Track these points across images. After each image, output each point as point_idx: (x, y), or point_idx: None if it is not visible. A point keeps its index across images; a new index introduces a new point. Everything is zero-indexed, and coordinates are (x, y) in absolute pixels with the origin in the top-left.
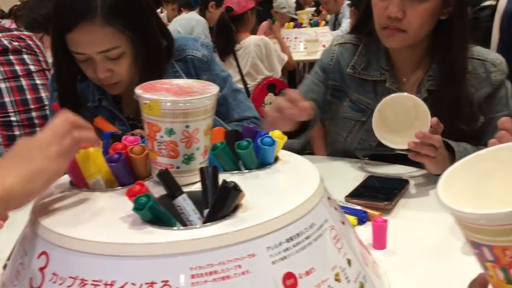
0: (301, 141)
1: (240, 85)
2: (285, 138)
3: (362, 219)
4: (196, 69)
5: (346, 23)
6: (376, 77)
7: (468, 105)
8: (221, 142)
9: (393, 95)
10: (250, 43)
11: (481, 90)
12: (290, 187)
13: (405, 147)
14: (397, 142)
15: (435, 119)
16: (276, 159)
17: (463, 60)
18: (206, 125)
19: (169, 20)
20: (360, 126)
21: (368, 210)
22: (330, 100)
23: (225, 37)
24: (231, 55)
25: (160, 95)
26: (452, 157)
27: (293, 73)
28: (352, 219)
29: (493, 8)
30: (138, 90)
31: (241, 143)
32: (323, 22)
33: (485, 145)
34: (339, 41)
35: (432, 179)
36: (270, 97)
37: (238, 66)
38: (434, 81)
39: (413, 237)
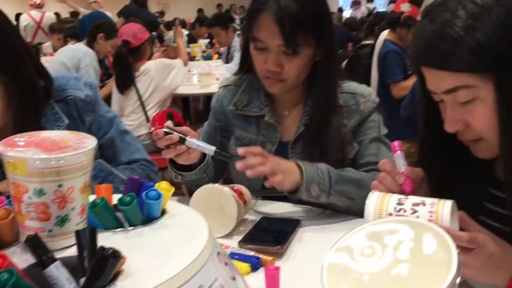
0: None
1: (140, 111)
2: (172, 189)
3: (255, 265)
4: (79, 110)
5: (238, 56)
6: (257, 112)
7: (341, 136)
8: (101, 198)
9: (202, 187)
10: (150, 67)
11: (352, 120)
12: (177, 245)
13: (222, 234)
14: (216, 231)
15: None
16: (164, 212)
17: (334, 95)
18: (83, 182)
19: (55, 50)
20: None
21: (261, 256)
22: (221, 140)
23: (124, 70)
24: (132, 86)
25: (27, 152)
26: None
27: (188, 106)
28: (245, 266)
29: (372, 46)
30: (1, 147)
31: (123, 199)
32: (216, 56)
33: (359, 166)
34: (224, 83)
35: (323, 216)
36: (169, 123)
37: (138, 93)
38: (310, 115)
39: (306, 281)
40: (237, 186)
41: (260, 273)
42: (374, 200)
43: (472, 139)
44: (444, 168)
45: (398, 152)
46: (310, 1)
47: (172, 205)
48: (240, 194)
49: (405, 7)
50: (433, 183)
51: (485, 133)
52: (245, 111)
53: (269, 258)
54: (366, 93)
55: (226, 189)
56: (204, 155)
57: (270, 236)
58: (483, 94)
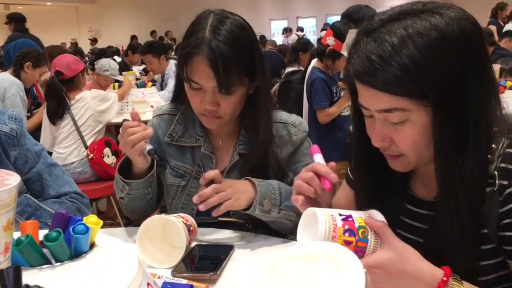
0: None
1: (73, 139)
2: (101, 223)
3: None
4: (3, 144)
5: (172, 83)
6: (192, 143)
7: (275, 165)
8: (26, 235)
9: (150, 218)
10: (87, 96)
11: (285, 150)
12: (104, 279)
13: (170, 264)
14: (165, 262)
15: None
16: (93, 245)
17: (270, 125)
18: (6, 220)
19: None
20: (181, 191)
21: (194, 283)
22: (156, 169)
23: (56, 101)
24: (66, 114)
25: None
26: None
27: None
28: None
29: (303, 72)
30: None
31: (49, 235)
32: (150, 84)
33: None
34: (158, 112)
35: (257, 240)
36: (107, 151)
37: (73, 120)
38: (244, 145)
39: None
40: (183, 215)
41: None
42: (323, 217)
43: (394, 154)
44: (368, 183)
45: (318, 154)
46: (241, 41)
47: (102, 238)
48: (187, 222)
49: (330, 41)
50: (359, 199)
51: (408, 151)
52: (180, 141)
53: (202, 285)
54: (297, 122)
55: (173, 218)
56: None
57: (204, 263)
58: (414, 117)
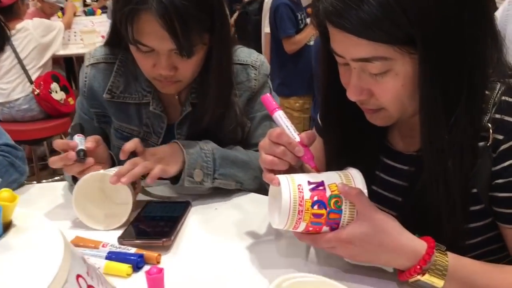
0: None
1: (16, 73)
2: (17, 198)
3: (138, 264)
4: None
5: None
6: (138, 99)
7: (233, 116)
8: None
9: (85, 176)
10: (29, 26)
11: (243, 96)
12: (23, 269)
13: (118, 224)
14: (110, 222)
15: None
16: (9, 226)
17: (229, 71)
18: None
19: None
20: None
21: (144, 252)
22: (101, 127)
23: None
24: (6, 46)
25: None
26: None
27: (72, 67)
28: (125, 268)
29: (260, 2)
30: None
31: None
32: (99, 11)
33: (249, 146)
34: (91, 61)
35: (215, 195)
36: (55, 86)
37: (15, 52)
38: (197, 93)
39: (195, 275)
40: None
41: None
42: (287, 189)
43: (373, 108)
44: (340, 133)
45: (279, 112)
46: None
47: (22, 216)
48: None
49: None
50: (329, 149)
51: (389, 105)
52: (122, 98)
53: (154, 254)
54: (258, 63)
55: (113, 171)
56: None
57: (155, 226)
58: (397, 67)
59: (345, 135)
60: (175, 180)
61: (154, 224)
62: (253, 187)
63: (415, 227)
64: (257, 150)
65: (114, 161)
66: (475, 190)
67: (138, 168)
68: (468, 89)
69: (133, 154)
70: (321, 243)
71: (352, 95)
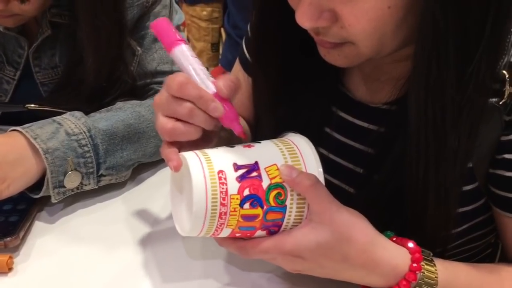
0: None
1: None
2: None
3: None
4: None
5: None
6: None
7: (115, 41)
8: None
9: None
10: None
11: (131, 14)
12: None
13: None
14: None
15: None
16: None
17: None
18: None
19: None
20: None
21: None
22: None
23: None
24: None
25: None
26: None
27: None
28: None
29: None
30: None
31: None
32: None
33: (143, 76)
34: None
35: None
36: None
37: None
38: (60, 8)
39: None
40: None
41: None
42: (200, 178)
43: (334, 42)
44: (278, 71)
45: (182, 45)
46: None
47: None
48: None
49: None
50: (261, 96)
51: (361, 37)
52: None
53: (4, 258)
54: None
55: None
56: None
57: None
58: None
59: (285, 74)
60: (34, 190)
61: None
62: (158, 158)
63: (382, 213)
64: (148, 89)
65: None
66: (470, 165)
67: None
68: (494, 15)
69: None
70: (253, 254)
71: (304, 19)
